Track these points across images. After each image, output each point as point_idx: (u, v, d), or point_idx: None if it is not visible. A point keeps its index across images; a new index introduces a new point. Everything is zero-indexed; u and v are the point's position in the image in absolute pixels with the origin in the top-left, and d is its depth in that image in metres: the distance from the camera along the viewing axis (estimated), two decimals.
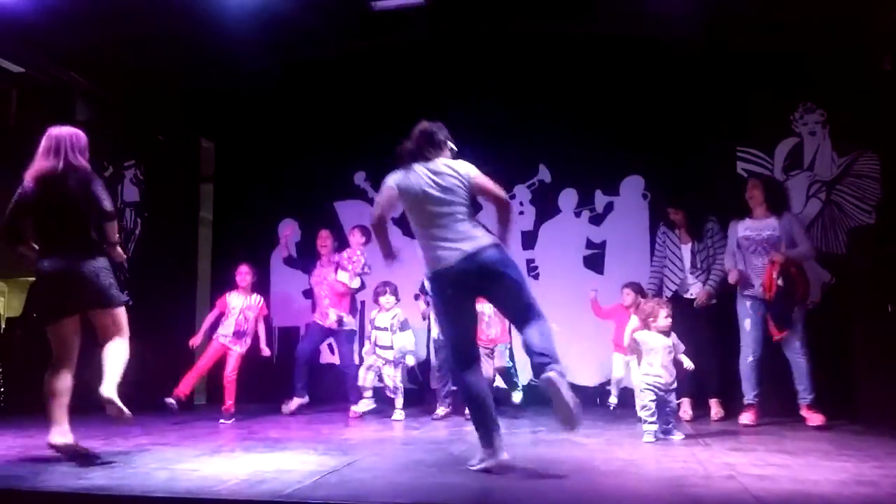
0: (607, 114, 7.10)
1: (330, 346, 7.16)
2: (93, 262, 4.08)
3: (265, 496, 3.17)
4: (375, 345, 6.38)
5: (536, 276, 7.31)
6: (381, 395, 6.42)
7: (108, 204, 4.14)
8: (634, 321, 5.06)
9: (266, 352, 6.61)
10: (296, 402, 6.46)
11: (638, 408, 4.96)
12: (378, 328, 6.39)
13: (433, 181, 3.87)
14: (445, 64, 7.29)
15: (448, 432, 5.39)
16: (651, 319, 4.90)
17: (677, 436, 4.80)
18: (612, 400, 6.44)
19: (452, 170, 3.93)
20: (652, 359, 4.84)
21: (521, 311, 3.82)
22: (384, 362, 6.32)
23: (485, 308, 5.99)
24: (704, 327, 5.87)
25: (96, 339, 4.19)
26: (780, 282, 5.43)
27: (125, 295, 4.24)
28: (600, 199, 7.27)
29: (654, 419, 4.76)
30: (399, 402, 6.26)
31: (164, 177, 7.64)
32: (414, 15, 6.52)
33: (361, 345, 6.87)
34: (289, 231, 7.18)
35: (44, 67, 6.84)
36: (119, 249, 4.28)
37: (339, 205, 7.87)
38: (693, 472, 3.67)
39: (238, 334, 6.39)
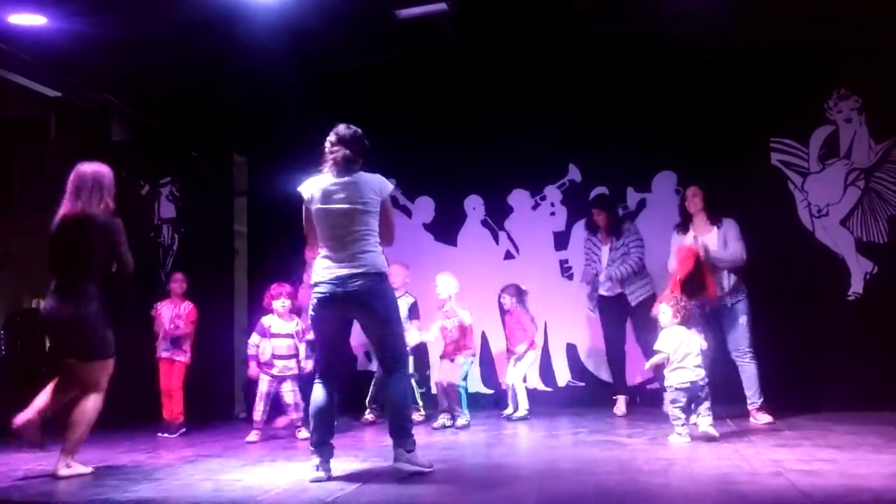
0: (637, 110, 7.03)
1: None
2: (88, 310, 4.05)
3: None
4: (275, 356, 5.66)
5: (570, 277, 7.27)
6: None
7: (129, 260, 4.15)
8: (667, 317, 4.89)
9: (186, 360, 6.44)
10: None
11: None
12: (277, 335, 5.70)
13: (344, 195, 3.85)
14: (472, 69, 7.30)
15: (487, 437, 5.38)
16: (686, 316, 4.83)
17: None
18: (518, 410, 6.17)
19: (368, 185, 3.91)
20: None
21: (384, 352, 3.88)
22: (282, 378, 5.63)
23: (446, 323, 5.99)
24: (617, 323, 6.29)
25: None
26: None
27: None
28: (632, 197, 7.20)
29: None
30: (300, 419, 5.53)
31: (199, 192, 7.76)
32: (439, 22, 6.54)
33: None
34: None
35: (79, 91, 6.99)
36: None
37: None
38: (739, 470, 3.62)
39: (174, 342, 6.29)
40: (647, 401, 6.52)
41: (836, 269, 6.36)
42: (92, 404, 4.09)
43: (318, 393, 3.84)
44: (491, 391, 7.15)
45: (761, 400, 5.43)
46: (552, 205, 7.42)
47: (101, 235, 4.08)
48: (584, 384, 7.04)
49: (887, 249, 6.24)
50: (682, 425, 4.67)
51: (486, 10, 6.68)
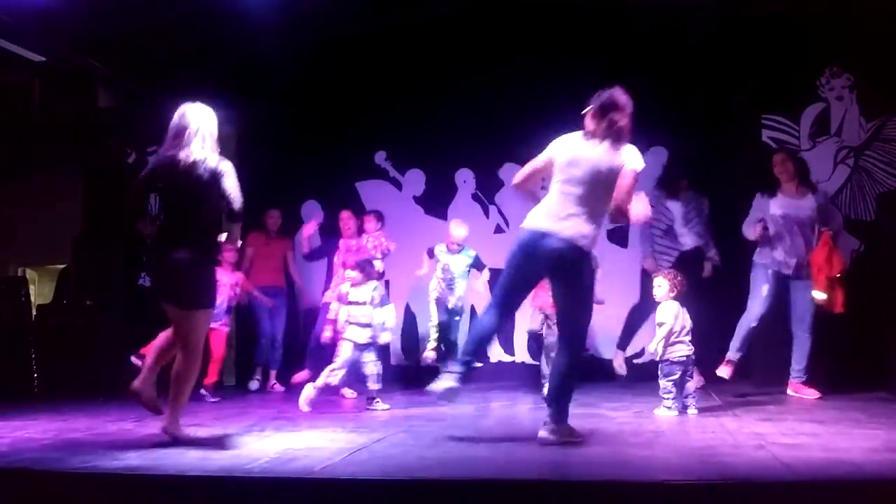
0: (629, 85, 6.95)
1: None
2: (197, 257, 3.92)
3: (296, 473, 3.20)
4: (351, 323, 5.41)
5: None
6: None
7: (238, 204, 3.98)
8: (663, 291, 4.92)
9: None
10: (303, 374, 6.37)
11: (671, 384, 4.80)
12: (353, 303, 5.44)
13: (601, 165, 3.77)
14: (466, 41, 7.22)
15: (475, 408, 5.41)
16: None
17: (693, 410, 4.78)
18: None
19: (618, 161, 3.79)
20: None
21: (563, 326, 3.88)
22: (364, 346, 5.38)
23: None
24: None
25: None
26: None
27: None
28: None
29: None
30: (375, 392, 5.37)
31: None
32: None
33: None
34: (310, 231, 6.97)
35: (65, 56, 6.87)
36: (232, 247, 4.20)
37: (360, 185, 7.87)
38: (722, 442, 3.66)
39: (227, 312, 6.34)
40: (633, 375, 6.58)
41: None
42: (193, 367, 4.02)
43: (487, 318, 3.94)
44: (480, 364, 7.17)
45: (807, 376, 5.43)
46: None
47: (213, 180, 3.91)
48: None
49: (873, 227, 6.28)
50: (673, 399, 4.71)
51: None
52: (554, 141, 3.97)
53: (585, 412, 4.94)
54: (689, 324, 4.80)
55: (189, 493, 3.11)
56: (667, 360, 4.76)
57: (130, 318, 7.00)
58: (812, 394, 5.33)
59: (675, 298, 4.84)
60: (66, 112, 7.42)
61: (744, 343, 5.49)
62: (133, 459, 3.56)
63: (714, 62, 6.73)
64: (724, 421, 4.36)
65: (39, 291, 9.71)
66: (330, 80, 7.69)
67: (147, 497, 3.15)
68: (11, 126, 7.64)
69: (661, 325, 4.79)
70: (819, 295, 5.32)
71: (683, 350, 4.74)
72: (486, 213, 7.55)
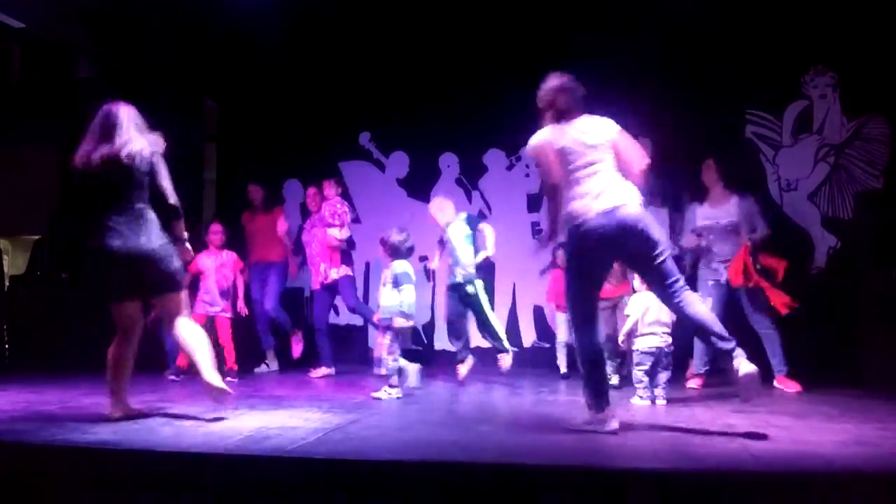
0: (612, 75, 6.95)
1: (335, 306, 7.10)
2: (162, 235, 3.95)
3: (269, 452, 3.19)
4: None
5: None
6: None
7: (173, 199, 4.04)
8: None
9: (244, 310, 6.44)
10: (322, 370, 6.35)
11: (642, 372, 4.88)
12: (383, 284, 5.33)
13: (576, 138, 3.82)
14: (452, 24, 7.16)
15: (450, 392, 5.42)
16: None
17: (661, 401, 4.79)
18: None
19: (595, 128, 3.88)
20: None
21: (662, 280, 3.66)
22: (380, 328, 5.25)
23: None
24: None
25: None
26: (758, 266, 5.37)
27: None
28: None
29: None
30: (393, 377, 5.02)
31: (167, 137, 7.58)
32: None
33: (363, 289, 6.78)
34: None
35: (46, 24, 6.75)
36: (187, 246, 4.12)
37: (343, 165, 7.83)
38: (693, 432, 3.69)
39: (224, 295, 6.21)
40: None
41: (802, 242, 6.46)
42: (194, 326, 4.03)
43: (581, 342, 3.75)
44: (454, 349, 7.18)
45: (787, 368, 5.43)
46: (527, 166, 7.41)
47: (151, 170, 4.07)
48: (549, 345, 7.12)
49: (851, 226, 6.34)
50: (644, 388, 4.75)
51: None
52: (538, 153, 3.96)
53: (560, 398, 4.97)
54: (665, 316, 4.79)
55: (160, 469, 3.10)
56: (637, 350, 4.81)
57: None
58: (794, 387, 5.37)
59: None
60: (46, 81, 7.31)
61: (706, 359, 5.51)
62: (105, 434, 3.53)
63: (701, 55, 6.73)
64: (696, 412, 4.40)
65: (13, 262, 9.58)
66: (316, 59, 7.62)
67: (118, 471, 3.13)
68: None
69: (627, 316, 4.88)
70: None
71: (654, 341, 4.76)
72: (469, 198, 7.54)
